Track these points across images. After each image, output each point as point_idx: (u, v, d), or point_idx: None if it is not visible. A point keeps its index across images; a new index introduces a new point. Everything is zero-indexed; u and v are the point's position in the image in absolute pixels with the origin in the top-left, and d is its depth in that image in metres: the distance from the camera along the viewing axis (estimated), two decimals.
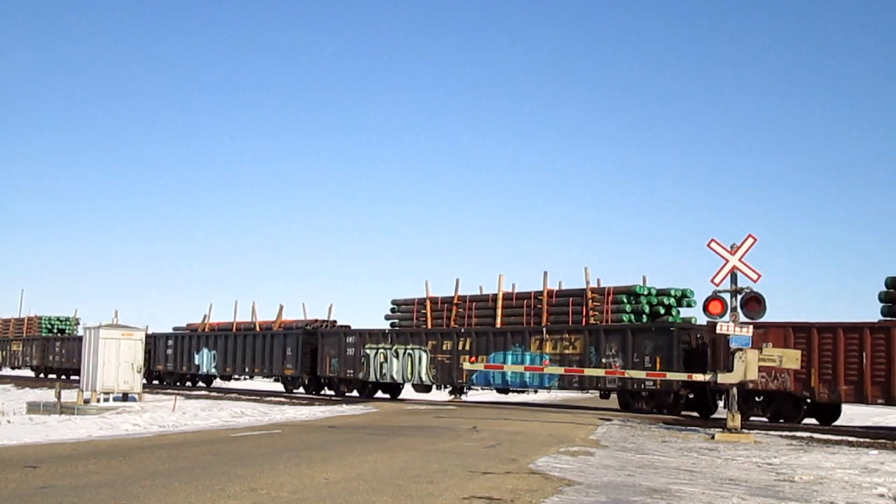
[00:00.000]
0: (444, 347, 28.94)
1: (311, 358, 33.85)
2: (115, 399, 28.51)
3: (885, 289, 21.62)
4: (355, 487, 8.58)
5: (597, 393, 27.88)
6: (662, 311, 26.18)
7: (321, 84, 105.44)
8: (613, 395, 26.91)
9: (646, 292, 26.10)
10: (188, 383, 41.50)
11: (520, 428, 17.77)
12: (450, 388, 30.50)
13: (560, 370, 23.84)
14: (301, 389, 35.14)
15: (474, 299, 29.76)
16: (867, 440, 17.90)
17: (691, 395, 23.95)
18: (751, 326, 17.57)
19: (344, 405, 27.03)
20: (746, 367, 17.38)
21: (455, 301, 30.06)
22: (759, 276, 17.85)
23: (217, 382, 41.51)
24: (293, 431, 16.55)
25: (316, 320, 36.15)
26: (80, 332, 48.79)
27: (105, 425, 17.68)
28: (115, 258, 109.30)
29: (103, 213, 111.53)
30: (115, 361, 28.62)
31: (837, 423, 22.52)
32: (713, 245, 17.99)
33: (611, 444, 14.82)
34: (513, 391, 28.54)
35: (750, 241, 17.75)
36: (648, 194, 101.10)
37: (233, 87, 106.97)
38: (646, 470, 11.21)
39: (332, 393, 33.87)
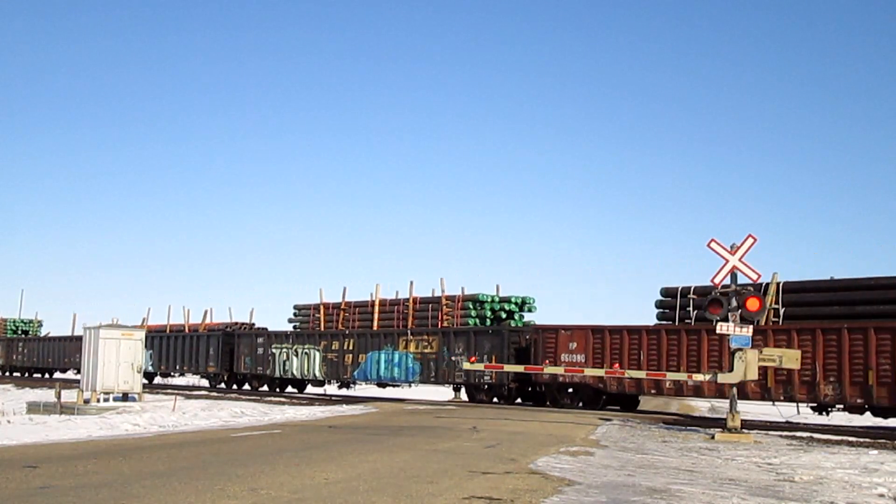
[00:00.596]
0: (333, 347, 33.47)
1: (229, 357, 38.37)
2: (115, 399, 28.49)
3: (660, 297, 26.22)
4: (355, 487, 8.58)
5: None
6: (504, 315, 30.44)
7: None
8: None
9: (489, 300, 30.36)
10: None
11: (520, 428, 17.77)
12: (339, 384, 33.89)
13: (559, 370, 23.98)
14: (223, 385, 39.21)
15: (357, 305, 34.43)
16: (867, 440, 17.90)
17: (517, 387, 28.09)
18: (751, 326, 17.56)
19: (344, 405, 27.03)
20: (746, 367, 17.38)
21: (342, 307, 34.78)
22: (759, 275, 17.85)
23: (157, 379, 44.67)
24: (293, 431, 16.55)
25: (236, 323, 41.13)
26: (43, 334, 55.13)
27: (105, 425, 17.67)
28: (78, 260, 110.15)
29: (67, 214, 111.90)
30: (115, 361, 28.60)
31: (838, 422, 22.55)
32: (713, 245, 17.99)
33: (611, 444, 14.82)
34: (390, 385, 32.64)
35: (750, 241, 17.75)
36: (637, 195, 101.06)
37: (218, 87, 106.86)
38: (646, 470, 11.21)
39: (248, 388, 38.03)
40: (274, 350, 35.56)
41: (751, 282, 17.95)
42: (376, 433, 16.04)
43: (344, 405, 27.03)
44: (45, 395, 32.35)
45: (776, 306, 23.34)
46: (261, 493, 8.11)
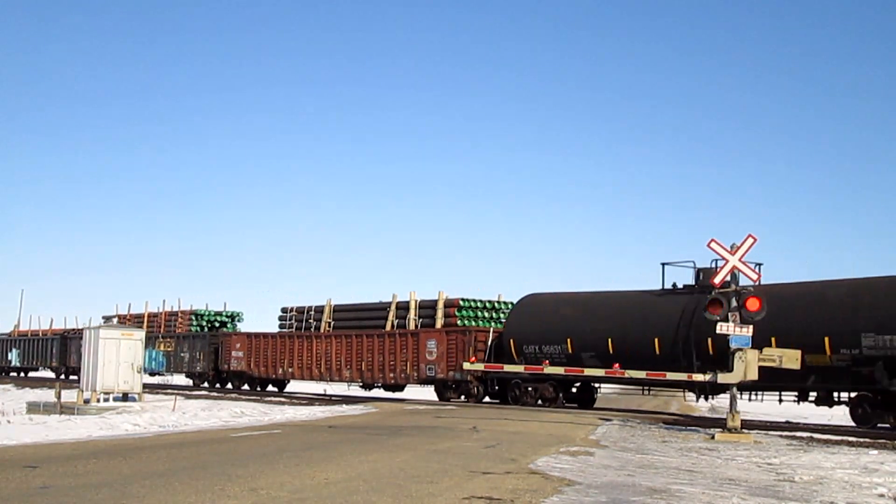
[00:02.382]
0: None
1: (65, 355, 47.32)
2: (115, 399, 28.47)
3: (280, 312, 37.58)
4: (355, 487, 8.58)
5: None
6: (218, 325, 42.21)
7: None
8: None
9: (206, 314, 42.39)
10: None
11: (520, 428, 17.77)
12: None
13: (560, 370, 24.03)
14: (63, 377, 44.91)
15: (136, 316, 45.77)
16: (867, 440, 17.88)
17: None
18: (751, 326, 17.54)
19: (344, 405, 27.04)
20: (747, 367, 17.38)
21: (128, 317, 45.95)
22: (759, 276, 17.84)
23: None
24: (293, 431, 16.55)
25: (75, 329, 48.16)
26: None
27: (105, 425, 17.67)
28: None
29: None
30: (115, 361, 28.57)
31: (838, 422, 22.57)
32: (713, 245, 17.97)
33: (611, 444, 14.82)
34: (156, 374, 42.36)
35: (750, 241, 17.73)
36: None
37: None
38: (646, 470, 11.20)
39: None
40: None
41: (751, 282, 17.92)
42: (376, 433, 16.04)
43: (344, 405, 27.04)
44: (45, 394, 32.33)
45: (329, 320, 35.12)
46: (261, 493, 8.11)
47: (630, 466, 11.54)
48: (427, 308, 32.04)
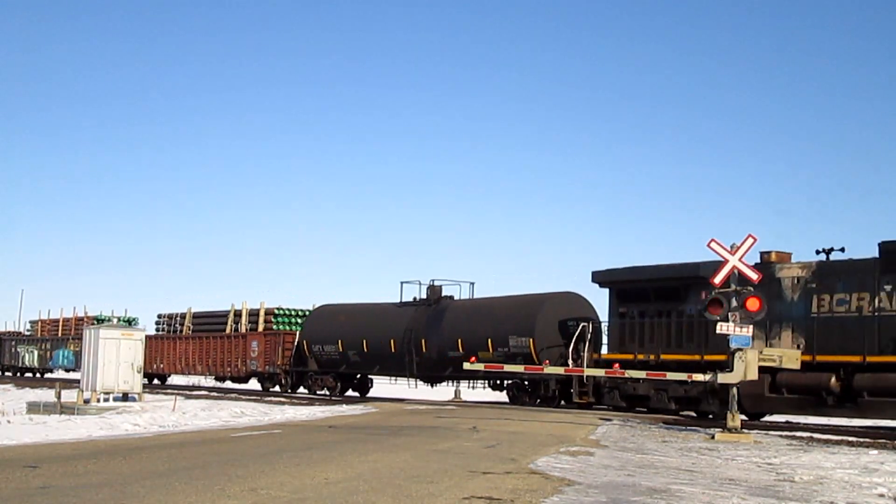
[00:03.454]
0: (42, 347, 51.89)
1: None
2: (115, 399, 28.48)
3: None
4: (355, 487, 8.58)
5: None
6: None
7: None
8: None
9: (103, 318, 46.97)
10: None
11: (520, 428, 17.77)
12: (42, 370, 51.96)
13: (560, 370, 24.11)
14: None
15: (52, 321, 53.79)
16: (867, 440, 17.89)
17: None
18: (751, 326, 17.54)
19: (344, 405, 27.04)
20: (747, 367, 17.37)
21: (48, 322, 54.31)
22: (760, 276, 17.83)
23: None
24: (293, 431, 16.55)
25: (10, 331, 57.78)
26: None
27: (105, 425, 17.68)
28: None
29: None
30: (115, 361, 28.58)
31: (838, 422, 22.57)
32: (713, 245, 17.95)
33: (611, 444, 14.82)
34: (70, 370, 47.09)
35: (750, 241, 17.72)
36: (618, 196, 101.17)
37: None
38: (646, 470, 11.21)
39: (9, 375, 54.08)
40: (19, 349, 54.14)
41: (751, 282, 17.90)
42: (376, 433, 16.05)
43: (344, 405, 27.03)
44: (46, 394, 32.34)
45: (190, 325, 42.93)
46: (261, 493, 8.11)
47: (630, 466, 11.54)
48: (253, 315, 40.00)
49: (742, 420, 18.15)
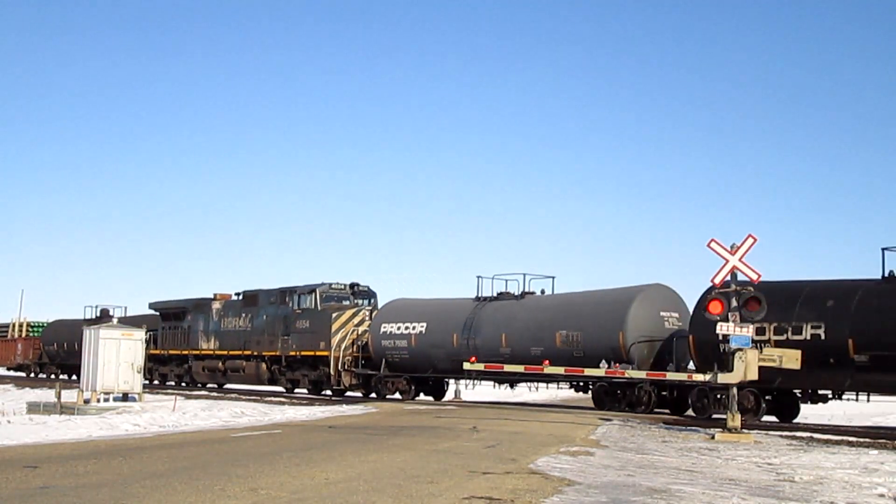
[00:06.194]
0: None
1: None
2: (115, 399, 28.45)
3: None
4: (355, 487, 8.58)
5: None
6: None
7: None
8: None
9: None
10: None
11: (520, 428, 17.77)
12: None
13: (560, 370, 24.02)
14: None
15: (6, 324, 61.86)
16: (867, 440, 17.89)
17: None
18: (751, 326, 17.54)
19: (344, 405, 27.04)
20: (747, 367, 17.37)
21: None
22: (760, 276, 17.82)
23: None
24: (293, 431, 16.56)
25: None
26: None
27: (105, 425, 17.67)
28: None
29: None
30: (115, 361, 28.54)
31: (838, 422, 22.57)
32: (713, 245, 17.94)
33: (611, 444, 14.82)
34: None
35: (750, 241, 17.71)
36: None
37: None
38: (646, 470, 11.21)
39: None
40: None
41: (751, 282, 17.89)
42: (376, 433, 16.05)
43: (344, 405, 27.03)
44: (46, 395, 32.33)
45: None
46: (261, 493, 8.12)
47: (630, 466, 11.54)
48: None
49: (743, 420, 18.11)
